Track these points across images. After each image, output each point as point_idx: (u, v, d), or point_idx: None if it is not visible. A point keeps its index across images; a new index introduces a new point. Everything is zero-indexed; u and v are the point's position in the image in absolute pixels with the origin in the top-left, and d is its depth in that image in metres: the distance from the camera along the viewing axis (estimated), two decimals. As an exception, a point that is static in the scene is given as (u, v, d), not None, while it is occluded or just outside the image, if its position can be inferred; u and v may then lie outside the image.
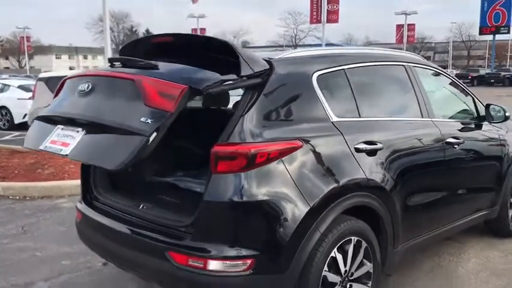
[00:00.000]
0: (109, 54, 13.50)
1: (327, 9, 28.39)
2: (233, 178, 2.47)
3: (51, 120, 2.91)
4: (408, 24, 43.24)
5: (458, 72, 53.30)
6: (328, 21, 29.15)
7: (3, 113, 13.80)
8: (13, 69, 71.91)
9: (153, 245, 2.64)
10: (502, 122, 4.28)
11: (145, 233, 2.72)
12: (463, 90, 4.29)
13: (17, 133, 12.67)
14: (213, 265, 2.46)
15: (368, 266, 3.01)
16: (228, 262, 2.46)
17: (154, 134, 2.33)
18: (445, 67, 68.66)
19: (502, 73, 46.20)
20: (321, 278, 2.68)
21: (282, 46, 69.27)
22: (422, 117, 3.59)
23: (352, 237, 2.87)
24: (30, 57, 66.11)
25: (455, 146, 3.75)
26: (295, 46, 69.35)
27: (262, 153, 2.50)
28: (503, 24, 47.24)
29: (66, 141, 2.69)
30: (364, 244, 2.95)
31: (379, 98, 3.48)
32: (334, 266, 2.78)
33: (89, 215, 3.15)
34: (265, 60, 2.79)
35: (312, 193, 2.62)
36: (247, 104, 2.59)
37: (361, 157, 2.94)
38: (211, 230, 2.52)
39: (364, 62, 3.36)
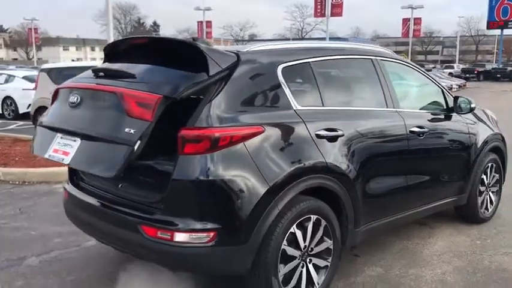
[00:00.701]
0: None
1: (331, 3, 28.50)
2: (198, 159, 2.74)
3: (52, 128, 3.24)
4: (414, 18, 43.13)
5: (464, 67, 53.19)
6: (332, 14, 29.28)
7: (9, 103, 14.17)
8: (21, 60, 72.54)
9: (127, 220, 2.92)
10: (468, 113, 4.52)
11: (121, 209, 3.00)
12: (433, 84, 4.52)
13: (21, 122, 13.04)
14: (179, 237, 2.74)
15: (328, 243, 3.27)
16: (192, 234, 2.74)
17: (138, 142, 2.67)
18: (452, 61, 68.45)
19: (509, 68, 46.03)
20: (280, 250, 2.95)
21: (288, 39, 69.28)
22: (387, 107, 3.84)
23: (312, 216, 3.13)
24: (38, 48, 66.66)
25: (420, 135, 3.99)
26: (302, 39, 69.34)
27: (225, 137, 2.77)
28: (511, 19, 46.98)
29: (66, 150, 3.05)
30: (323, 222, 3.21)
31: (343, 88, 3.73)
32: (293, 241, 3.05)
33: (74, 194, 3.43)
34: (233, 52, 3.07)
35: (271, 174, 2.88)
36: (213, 92, 2.85)
37: (322, 143, 3.19)
38: (178, 205, 2.79)
39: (330, 56, 3.61)
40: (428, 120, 4.23)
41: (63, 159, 3.03)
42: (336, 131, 3.31)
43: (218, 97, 2.84)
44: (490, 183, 5.02)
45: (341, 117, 3.43)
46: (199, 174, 2.73)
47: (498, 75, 45.45)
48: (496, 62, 61.45)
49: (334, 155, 3.26)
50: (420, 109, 4.37)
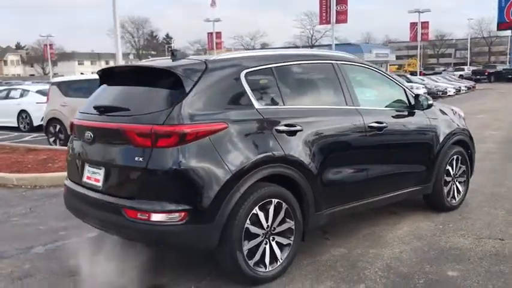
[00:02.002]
0: (120, 60, 14.48)
1: (336, 10, 29.02)
2: (169, 151, 3.27)
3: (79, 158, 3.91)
4: (422, 22, 43.35)
5: (474, 68, 53.17)
6: (338, 21, 29.77)
7: (24, 116, 14.92)
8: (37, 76, 74.20)
9: (113, 205, 3.45)
10: (427, 109, 4.97)
11: (108, 197, 3.53)
12: (395, 84, 4.99)
13: (35, 134, 13.74)
14: (155, 217, 3.26)
15: (290, 224, 3.76)
16: (166, 215, 3.26)
17: (148, 166, 3.27)
18: (464, 63, 68.32)
19: (519, 69, 45.96)
20: (243, 229, 3.45)
21: (298, 47, 69.82)
22: (346, 105, 4.32)
23: (273, 199, 3.63)
24: (54, 64, 68.36)
25: (379, 130, 4.46)
26: (312, 47, 69.85)
27: (192, 132, 3.29)
28: (520, 20, 46.82)
29: (96, 177, 3.66)
30: (284, 205, 3.70)
31: (304, 90, 4.23)
32: (256, 221, 3.54)
33: (72, 188, 3.98)
34: (202, 61, 3.61)
35: (233, 164, 3.39)
36: (183, 94, 3.38)
37: (281, 137, 3.69)
38: (153, 191, 3.32)
39: (292, 61, 4.13)
40: (389, 117, 4.69)
41: (95, 185, 3.66)
42: (295, 126, 3.80)
43: (187, 99, 3.37)
44: (456, 174, 5.45)
45: (300, 115, 3.92)
46: (170, 164, 3.26)
47: (509, 76, 45.42)
48: (509, 63, 61.20)
49: (293, 147, 3.76)
50: (382, 107, 4.84)
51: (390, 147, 4.65)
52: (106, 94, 3.93)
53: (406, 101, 5.00)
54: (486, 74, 47.46)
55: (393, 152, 4.70)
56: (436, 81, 31.33)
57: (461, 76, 46.22)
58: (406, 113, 4.93)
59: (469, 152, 5.62)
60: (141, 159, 3.30)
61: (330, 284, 3.63)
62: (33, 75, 79.04)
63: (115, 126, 3.52)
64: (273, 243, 3.68)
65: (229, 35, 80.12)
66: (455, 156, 5.37)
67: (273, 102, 3.85)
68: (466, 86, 34.19)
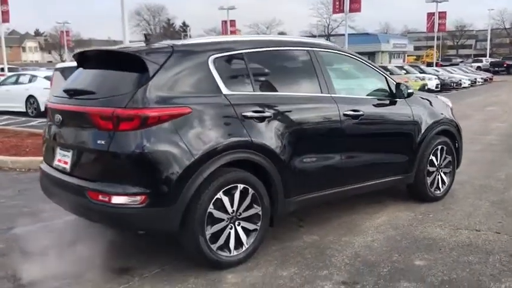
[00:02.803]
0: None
1: (350, -1, 28.69)
2: (131, 134, 3.30)
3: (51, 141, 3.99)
4: (439, 12, 42.63)
5: (492, 60, 52.21)
6: (351, 10, 29.43)
7: (31, 102, 15.13)
8: (55, 62, 74.88)
9: (78, 187, 3.50)
10: (407, 97, 4.92)
11: (74, 180, 3.58)
12: (376, 72, 4.94)
13: (43, 119, 13.90)
14: (115, 199, 3.30)
15: (257, 209, 3.77)
16: (126, 197, 3.29)
17: (110, 148, 3.31)
18: (484, 55, 67.03)
19: (539, 60, 45.01)
20: (206, 213, 3.47)
21: (315, 36, 69.31)
22: (321, 93, 4.30)
23: (239, 185, 3.64)
24: (71, 50, 68.85)
25: (355, 118, 4.43)
26: (328, 36, 69.29)
27: (154, 116, 3.31)
28: (541, 11, 45.77)
29: (65, 160, 3.71)
30: (251, 191, 3.71)
31: (276, 76, 4.20)
32: (220, 206, 3.56)
33: (46, 170, 4.04)
34: (170, 46, 3.62)
35: (196, 148, 3.40)
36: (147, 78, 3.40)
37: (248, 123, 3.69)
38: (114, 174, 3.36)
39: (265, 47, 4.11)
40: (368, 105, 4.65)
41: (64, 168, 3.72)
42: (264, 112, 3.80)
43: (150, 83, 3.39)
44: (441, 165, 5.39)
45: (270, 101, 3.91)
46: (131, 147, 3.29)
47: (529, 68, 44.52)
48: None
49: (261, 133, 3.75)
50: (362, 96, 4.80)
51: (367, 135, 4.63)
52: (78, 78, 3.97)
53: (388, 90, 4.95)
54: (505, 65, 46.56)
55: (371, 141, 4.67)
56: (451, 73, 30.84)
57: (478, 68, 45.40)
58: (387, 101, 4.89)
59: (455, 143, 5.55)
60: (103, 142, 3.33)
61: (293, 270, 3.65)
62: (51, 61, 79.80)
63: (81, 110, 3.56)
64: (239, 228, 3.70)
65: (244, 23, 79.80)
66: (439, 147, 5.31)
67: (243, 88, 3.85)
68: (482, 78, 33.58)
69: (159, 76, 3.43)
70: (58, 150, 3.82)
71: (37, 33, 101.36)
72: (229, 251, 3.65)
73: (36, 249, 3.90)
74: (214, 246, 3.56)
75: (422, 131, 5.08)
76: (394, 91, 4.92)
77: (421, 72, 25.11)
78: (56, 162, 3.83)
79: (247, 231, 3.75)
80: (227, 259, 3.64)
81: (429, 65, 40.15)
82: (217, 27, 67.32)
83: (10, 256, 3.96)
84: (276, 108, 3.90)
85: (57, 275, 3.51)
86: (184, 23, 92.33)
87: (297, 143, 4.00)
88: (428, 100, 5.40)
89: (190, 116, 3.44)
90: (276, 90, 4.08)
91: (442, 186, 5.44)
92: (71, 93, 3.76)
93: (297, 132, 4.00)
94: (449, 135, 5.46)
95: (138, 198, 3.30)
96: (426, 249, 4.02)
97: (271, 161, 3.80)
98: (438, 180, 5.39)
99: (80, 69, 4.09)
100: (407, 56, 78.03)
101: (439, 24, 42.86)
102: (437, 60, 53.66)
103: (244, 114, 3.69)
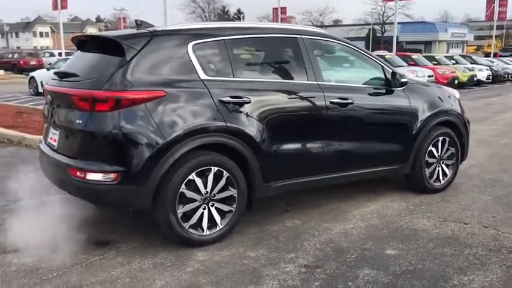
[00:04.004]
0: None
1: (401, -14, 27.88)
2: (105, 115, 3.49)
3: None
4: (500, 0, 40.62)
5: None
6: (402, -2, 28.63)
7: (32, 82, 17.01)
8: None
9: (62, 164, 3.75)
10: (401, 86, 4.85)
11: (59, 156, 3.83)
12: (372, 61, 4.89)
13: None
14: (90, 176, 3.52)
15: (232, 192, 3.89)
16: (99, 174, 3.51)
17: (85, 128, 3.53)
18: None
19: None
20: (178, 193, 3.63)
21: (369, 24, 67.84)
22: (307, 80, 4.33)
23: (212, 167, 3.77)
24: (128, 37, 70.78)
25: (343, 106, 4.43)
26: (383, 24, 67.62)
27: (127, 98, 3.49)
28: None
29: (55, 137, 3.98)
30: (225, 174, 3.83)
31: (259, 63, 4.29)
32: (193, 187, 3.71)
33: (44, 150, 4.31)
34: (149, 32, 3.78)
35: (168, 131, 3.56)
36: (124, 62, 3.58)
37: (225, 107, 3.80)
38: (90, 152, 3.58)
39: (249, 34, 4.19)
40: (358, 93, 4.64)
41: (53, 146, 3.98)
42: (242, 98, 3.89)
43: (127, 66, 3.57)
44: (442, 156, 5.29)
45: (250, 87, 3.99)
46: (104, 127, 3.49)
47: None
48: None
49: (238, 119, 3.86)
50: (355, 84, 4.78)
51: (357, 124, 4.61)
52: (71, 61, 4.22)
53: (384, 79, 4.89)
54: None
55: (361, 130, 4.66)
56: (507, 64, 29.41)
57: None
58: (383, 90, 4.84)
59: (460, 135, 5.42)
60: (81, 121, 3.55)
61: (262, 252, 3.75)
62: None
63: (65, 91, 3.79)
64: (213, 209, 3.83)
65: (297, 11, 79.13)
66: (440, 138, 5.21)
67: (222, 74, 3.95)
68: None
69: (136, 60, 3.60)
70: (51, 129, 4.09)
71: (98, 20, 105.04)
72: (202, 230, 3.80)
73: (27, 222, 4.16)
74: (186, 225, 3.72)
75: (421, 121, 5.00)
76: (390, 80, 4.86)
77: (472, 63, 24.10)
78: (48, 140, 4.10)
79: (221, 213, 3.88)
80: (200, 238, 3.79)
81: (487, 55, 38.39)
82: (270, 14, 67.27)
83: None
84: (255, 94, 3.98)
85: (42, 245, 3.77)
86: (239, 10, 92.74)
87: (277, 130, 4.07)
88: (431, 90, 5.30)
89: (164, 100, 3.59)
90: (257, 77, 4.16)
91: (443, 178, 5.34)
92: (61, 75, 4.01)
93: (277, 118, 4.07)
94: (453, 126, 5.33)
95: (111, 175, 3.50)
96: (403, 239, 4.01)
97: (248, 146, 3.90)
98: (438, 172, 5.29)
99: (77, 52, 4.33)
100: (467, 46, 74.86)
101: (499, 12, 40.80)
102: (498, 50, 51.21)
103: (221, 99, 3.80)
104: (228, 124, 3.80)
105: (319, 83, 4.37)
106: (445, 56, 24.33)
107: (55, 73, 4.12)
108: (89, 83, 3.61)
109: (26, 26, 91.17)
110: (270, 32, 4.38)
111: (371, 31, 64.74)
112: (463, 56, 26.18)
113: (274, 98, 4.10)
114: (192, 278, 3.32)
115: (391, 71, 4.88)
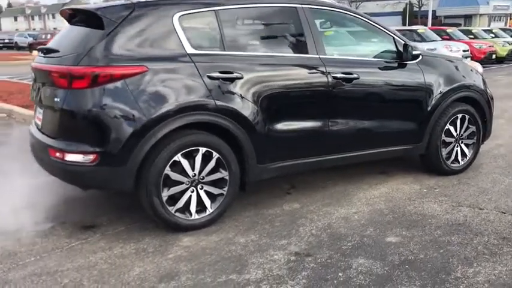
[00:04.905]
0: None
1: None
2: (82, 93, 3.30)
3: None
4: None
5: None
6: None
7: None
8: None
9: (43, 144, 3.59)
10: (413, 60, 4.46)
11: (42, 136, 3.67)
12: (384, 33, 4.51)
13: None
14: (68, 157, 3.35)
15: (223, 174, 3.66)
16: (78, 155, 3.33)
17: (63, 106, 3.34)
18: None
19: None
20: (162, 175, 3.42)
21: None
22: (308, 53, 4.01)
23: (200, 148, 3.54)
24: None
25: (348, 82, 4.10)
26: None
27: (105, 74, 3.28)
28: None
29: (40, 116, 3.81)
30: (215, 155, 3.59)
31: (254, 36, 3.99)
32: (179, 168, 3.49)
33: (31, 131, 4.13)
34: (131, 3, 3.54)
35: (149, 109, 3.33)
36: (102, 35, 3.36)
37: (213, 84, 3.54)
38: (68, 131, 3.41)
39: (243, 4, 3.89)
40: (368, 68, 4.30)
41: (38, 125, 3.83)
42: (232, 73, 3.62)
43: (105, 40, 3.34)
44: (461, 135, 4.90)
45: (242, 62, 3.71)
46: (81, 105, 3.29)
47: None
48: None
49: (228, 96, 3.59)
50: (363, 57, 4.43)
51: (363, 101, 4.28)
52: (57, 36, 4.02)
53: (396, 52, 4.51)
54: None
55: (367, 107, 4.32)
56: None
57: None
58: (394, 64, 4.47)
59: (482, 112, 5.00)
60: (59, 100, 3.37)
61: (252, 238, 3.52)
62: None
63: (45, 68, 3.61)
64: (201, 192, 3.61)
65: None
66: (459, 115, 4.81)
67: (211, 47, 3.69)
68: None
69: (116, 34, 3.38)
70: (37, 108, 3.94)
71: None
72: (190, 214, 3.59)
73: (14, 202, 4.02)
74: (172, 209, 3.51)
75: (436, 97, 4.61)
76: (402, 53, 4.47)
77: (493, 37, 22.78)
78: (35, 120, 3.95)
79: (212, 196, 3.66)
80: (187, 222, 3.59)
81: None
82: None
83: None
84: (248, 69, 3.70)
85: (26, 228, 3.66)
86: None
87: (273, 108, 3.80)
88: (449, 64, 4.88)
89: (146, 76, 3.36)
90: (251, 51, 3.87)
91: (462, 159, 4.95)
92: (44, 51, 3.83)
93: (273, 96, 3.79)
94: (474, 103, 4.91)
95: (90, 157, 3.32)
96: (408, 226, 3.70)
97: (239, 125, 3.64)
98: (457, 152, 4.91)
99: (65, 27, 4.13)
100: (510, 19, 71.56)
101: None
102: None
103: (210, 74, 3.55)
104: (216, 102, 3.54)
105: (320, 56, 4.04)
106: (483, 30, 23.11)
107: (39, 49, 3.94)
108: (67, 58, 3.41)
109: (63, 7, 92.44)
110: (267, 1, 4.06)
111: (407, 5, 62.61)
112: (503, 30, 24.83)
113: (270, 73, 3.81)
114: (172, 265, 3.13)
115: (403, 42, 4.48)
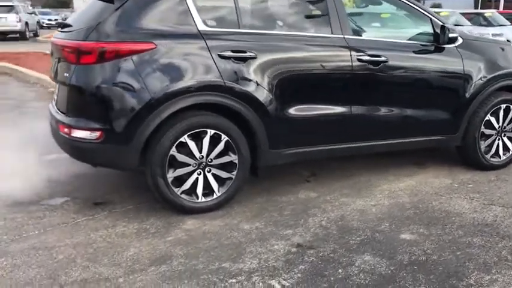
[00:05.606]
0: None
1: None
2: (89, 68, 3.25)
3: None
4: None
5: None
6: None
7: None
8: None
9: (56, 119, 3.60)
10: (450, 43, 4.09)
11: (55, 113, 3.67)
12: (418, 12, 4.16)
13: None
14: (74, 133, 3.33)
15: (232, 157, 3.52)
16: (84, 131, 3.30)
17: (71, 82, 3.32)
18: None
19: None
20: (167, 156, 3.33)
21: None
22: (331, 33, 3.77)
23: (208, 130, 3.41)
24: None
25: (375, 65, 3.82)
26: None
27: (111, 50, 3.21)
28: None
29: (57, 92, 3.84)
30: (224, 137, 3.46)
31: (273, 14, 3.77)
32: (186, 150, 3.39)
33: (50, 107, 4.13)
34: None
35: (155, 87, 3.24)
36: (112, 10, 3.28)
37: (223, 63, 3.39)
38: (75, 107, 3.38)
39: (263, -21, 3.69)
40: (399, 51, 4.00)
41: (55, 100, 3.85)
42: (245, 52, 3.46)
43: (114, 15, 3.27)
44: (504, 128, 4.49)
45: (257, 40, 3.54)
46: (88, 81, 3.25)
47: None
48: None
49: (240, 76, 3.44)
50: (395, 39, 4.12)
51: (390, 86, 3.99)
52: (78, 11, 4.00)
53: (433, 34, 4.15)
54: None
55: (395, 92, 4.02)
56: None
57: None
58: (429, 47, 4.12)
59: (530, 103, 4.55)
60: (68, 75, 3.35)
61: (257, 225, 3.38)
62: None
63: (58, 43, 3.60)
64: (209, 175, 3.50)
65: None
66: (503, 106, 4.40)
67: (225, 24, 3.53)
68: None
69: (125, 8, 3.29)
70: (56, 85, 3.95)
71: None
72: (197, 197, 3.49)
73: (38, 175, 4.09)
74: (178, 190, 3.43)
75: (476, 84, 4.23)
76: (439, 35, 4.11)
77: None
78: (54, 96, 3.97)
79: (220, 180, 3.54)
80: (193, 205, 3.49)
81: None
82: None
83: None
84: (263, 48, 3.52)
85: (40, 202, 3.71)
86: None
87: (289, 90, 3.60)
88: (494, 48, 4.46)
89: (154, 53, 3.26)
90: (268, 29, 3.67)
91: (503, 154, 4.54)
92: (62, 26, 3.82)
93: (289, 77, 3.60)
94: (521, 93, 4.48)
95: (96, 133, 3.28)
96: (428, 223, 3.42)
97: (251, 107, 3.48)
98: (498, 145, 4.51)
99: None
100: None
101: None
102: None
103: (221, 53, 3.40)
104: (227, 82, 3.40)
105: (345, 36, 3.78)
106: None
107: (57, 24, 3.93)
108: (78, 33, 3.37)
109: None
110: None
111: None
112: None
113: (287, 54, 3.61)
114: (168, 248, 3.05)
115: (440, 24, 4.11)
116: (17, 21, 20.26)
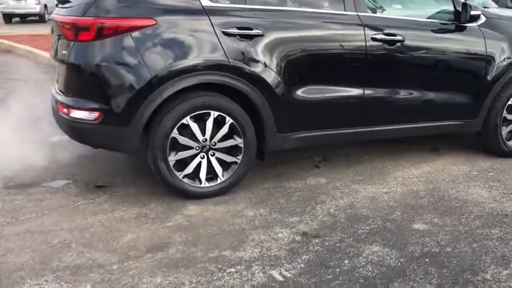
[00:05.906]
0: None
1: None
2: (86, 46, 3.11)
3: None
4: None
5: None
6: None
7: None
8: None
9: (55, 99, 3.48)
10: (472, 22, 3.84)
11: (55, 93, 3.55)
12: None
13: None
14: (73, 113, 3.21)
15: (237, 141, 3.36)
16: (82, 112, 3.17)
17: (69, 60, 3.19)
18: None
19: None
20: (168, 138, 3.19)
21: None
22: (344, 10, 3.56)
23: (212, 112, 3.26)
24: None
25: (390, 44, 3.61)
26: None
27: (110, 26, 3.06)
28: None
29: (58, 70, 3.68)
30: (228, 120, 3.30)
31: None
32: (188, 132, 3.24)
33: (53, 93, 4.03)
34: None
35: (155, 66, 3.08)
36: (110, -14, 3.12)
37: (228, 41, 3.22)
38: (73, 87, 3.26)
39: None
40: (417, 30, 3.77)
41: (56, 79, 3.70)
42: (252, 29, 3.28)
43: None
44: (528, 113, 4.24)
45: (265, 17, 3.35)
46: (85, 59, 3.12)
47: None
48: None
49: (245, 55, 3.27)
50: (413, 17, 3.90)
51: (406, 66, 3.78)
52: None
53: (454, 12, 3.90)
54: None
55: (411, 74, 3.81)
56: None
57: None
58: (449, 27, 3.88)
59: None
60: (66, 52, 3.21)
61: (262, 211, 3.23)
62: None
63: (57, 19, 3.47)
64: (213, 159, 3.35)
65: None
66: (527, 90, 4.15)
67: (231, 0, 3.35)
68: None
69: None
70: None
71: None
72: (200, 181, 3.35)
73: (41, 157, 3.99)
74: (180, 174, 3.29)
75: (499, 66, 3.98)
76: (460, 13, 3.87)
77: None
78: (55, 75, 3.85)
79: (224, 164, 3.39)
80: (196, 189, 3.35)
81: None
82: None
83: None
84: (271, 26, 3.34)
85: (45, 182, 3.63)
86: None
87: (298, 71, 3.42)
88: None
89: (154, 29, 3.11)
90: (278, 5, 3.48)
91: (526, 141, 4.30)
92: (62, 2, 3.67)
93: (298, 57, 3.41)
94: (548, 76, 4.20)
95: (94, 114, 3.15)
96: (443, 212, 3.23)
97: (257, 88, 3.31)
98: (522, 132, 4.26)
99: None
100: None
101: None
102: None
103: (225, 30, 3.22)
104: (231, 61, 3.22)
105: (359, 13, 3.57)
106: None
107: (58, 0, 3.80)
108: (76, 8, 3.22)
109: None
110: None
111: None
112: None
113: (296, 32, 3.42)
114: (167, 235, 2.92)
115: (462, 1, 3.86)
116: (36, 4, 20.25)
